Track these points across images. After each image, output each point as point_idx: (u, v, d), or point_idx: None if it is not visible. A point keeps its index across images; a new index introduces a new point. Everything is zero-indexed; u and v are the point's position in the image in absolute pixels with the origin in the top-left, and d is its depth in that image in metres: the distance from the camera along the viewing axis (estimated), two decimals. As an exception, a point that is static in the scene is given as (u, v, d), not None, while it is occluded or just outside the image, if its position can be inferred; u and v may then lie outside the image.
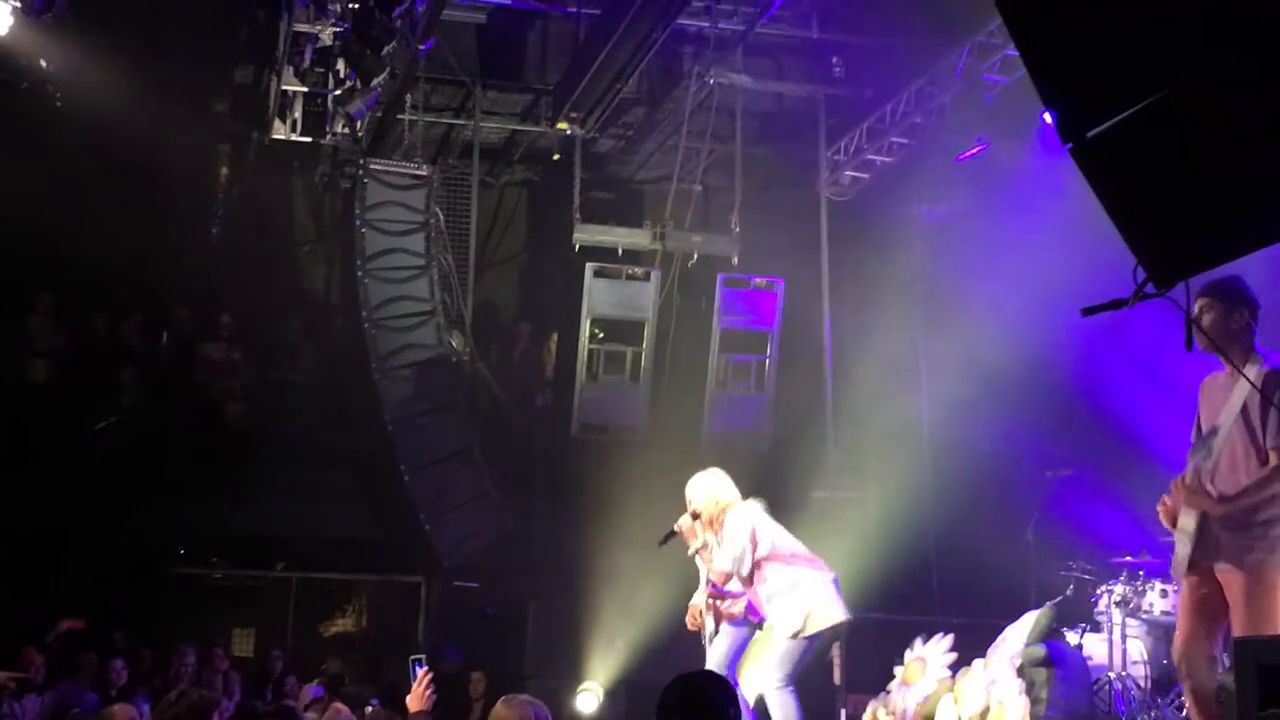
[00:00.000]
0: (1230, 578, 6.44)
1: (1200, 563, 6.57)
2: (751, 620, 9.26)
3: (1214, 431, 6.58)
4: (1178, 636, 6.79)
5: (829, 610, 8.54)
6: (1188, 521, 6.62)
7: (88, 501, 14.20)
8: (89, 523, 14.08)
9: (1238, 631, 6.37)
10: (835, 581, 8.73)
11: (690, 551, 9.14)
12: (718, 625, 9.38)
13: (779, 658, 8.50)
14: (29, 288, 14.89)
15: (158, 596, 14.32)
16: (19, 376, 14.84)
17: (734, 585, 9.19)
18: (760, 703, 9.15)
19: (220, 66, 15.56)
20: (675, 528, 9.11)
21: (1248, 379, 6.43)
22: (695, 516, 8.88)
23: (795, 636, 8.49)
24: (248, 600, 14.97)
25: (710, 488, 8.88)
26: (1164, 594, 10.15)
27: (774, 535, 8.73)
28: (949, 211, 15.00)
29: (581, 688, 13.11)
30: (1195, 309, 6.41)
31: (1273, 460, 6.37)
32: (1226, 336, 6.44)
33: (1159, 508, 6.83)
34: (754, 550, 8.59)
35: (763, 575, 8.63)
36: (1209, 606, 6.62)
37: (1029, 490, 12.29)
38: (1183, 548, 6.65)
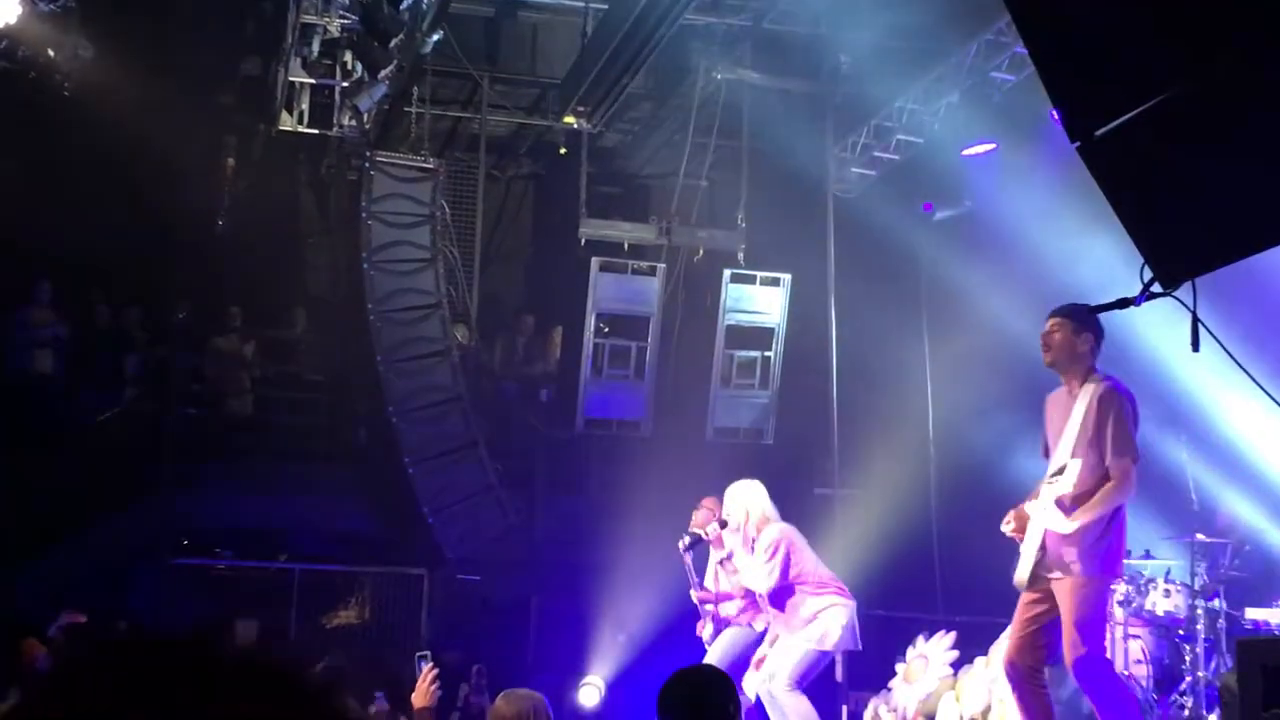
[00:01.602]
0: (1060, 584, 6.78)
1: (1040, 577, 6.87)
2: (750, 625, 9.35)
3: (1058, 449, 6.88)
4: (1008, 646, 7.06)
5: (846, 637, 8.71)
6: (1033, 536, 6.90)
7: (90, 492, 14.22)
8: (91, 513, 14.10)
9: (1066, 631, 6.73)
10: (855, 611, 8.84)
11: (716, 559, 9.18)
12: (717, 629, 9.48)
13: (794, 662, 8.61)
14: (32, 277, 14.89)
15: (160, 587, 14.34)
16: (22, 366, 14.83)
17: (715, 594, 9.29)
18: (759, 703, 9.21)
19: (227, 58, 15.58)
20: (703, 534, 9.17)
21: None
22: (723, 525, 8.95)
23: (815, 646, 8.58)
24: (250, 592, 14.96)
25: (744, 500, 8.97)
26: (1166, 594, 10.14)
27: (805, 559, 8.82)
28: (956, 210, 14.98)
29: (584, 681, 13.12)
30: (1046, 327, 6.89)
31: (1114, 475, 6.71)
32: (1072, 356, 6.87)
33: (1005, 523, 7.07)
34: (785, 573, 8.66)
35: (793, 597, 8.70)
36: (1041, 620, 6.94)
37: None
38: (1026, 562, 6.93)
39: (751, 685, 9.00)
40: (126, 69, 13.32)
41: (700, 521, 9.58)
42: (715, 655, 9.31)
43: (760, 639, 9.37)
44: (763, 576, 8.70)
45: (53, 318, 14.97)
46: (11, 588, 13.22)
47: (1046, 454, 7.22)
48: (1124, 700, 6.82)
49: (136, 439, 14.94)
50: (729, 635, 9.47)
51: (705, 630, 9.70)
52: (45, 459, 14.45)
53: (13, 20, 11.70)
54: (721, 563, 9.24)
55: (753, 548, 8.88)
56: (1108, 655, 7.53)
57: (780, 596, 8.75)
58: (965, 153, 14.05)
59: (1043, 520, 6.86)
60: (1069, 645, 6.75)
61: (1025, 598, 7.00)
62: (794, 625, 8.71)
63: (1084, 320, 6.80)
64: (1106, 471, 6.74)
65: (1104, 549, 6.78)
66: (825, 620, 8.65)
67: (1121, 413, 6.71)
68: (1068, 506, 6.78)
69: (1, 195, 13.87)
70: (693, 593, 9.73)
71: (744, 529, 8.91)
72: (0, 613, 12.43)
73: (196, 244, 15.78)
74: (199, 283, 15.93)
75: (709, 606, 9.68)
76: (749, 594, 9.23)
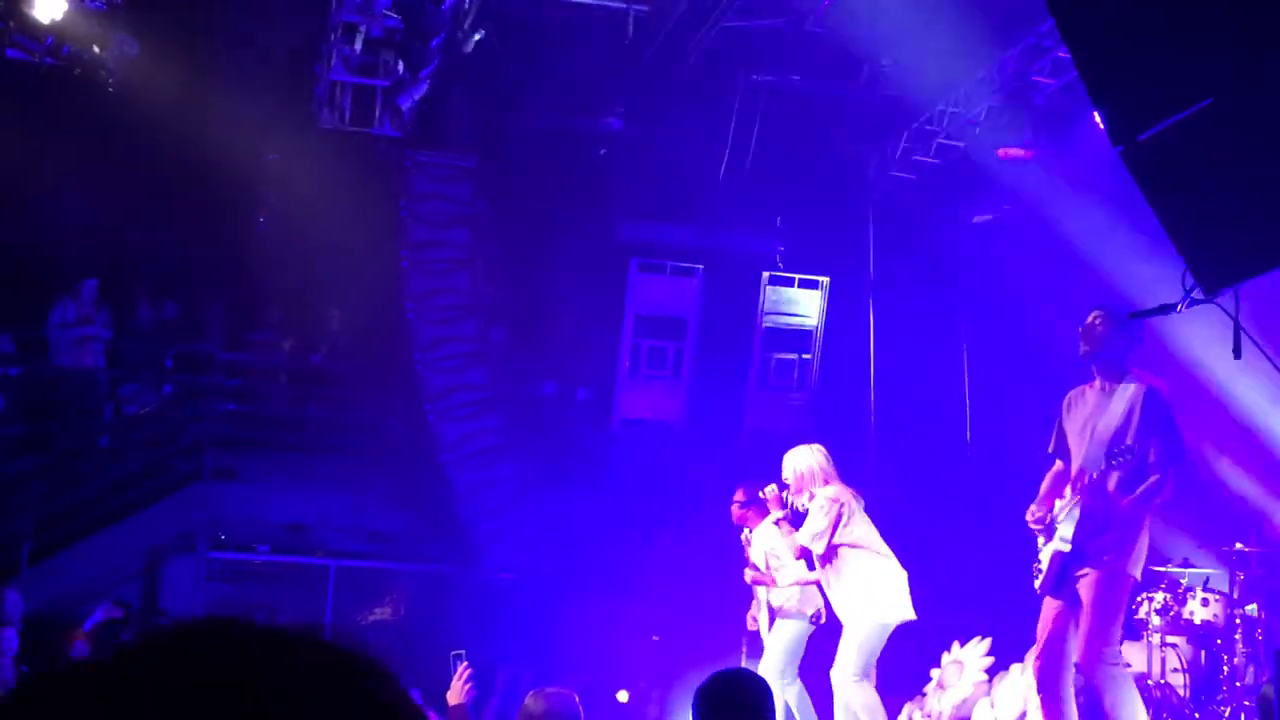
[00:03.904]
0: (1086, 579, 6.80)
1: (1067, 581, 6.90)
2: (805, 612, 9.36)
3: (1088, 444, 6.87)
4: (1037, 651, 6.97)
5: (904, 605, 8.72)
6: (1067, 530, 6.90)
7: (127, 486, 14.33)
8: (129, 507, 14.21)
9: (1084, 619, 6.75)
10: (906, 580, 8.84)
11: (771, 519, 9.21)
12: (772, 620, 9.51)
13: (856, 646, 8.58)
14: (75, 272, 15.01)
15: (196, 581, 14.44)
16: (67, 361, 14.95)
17: (771, 576, 9.27)
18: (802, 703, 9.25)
19: (270, 56, 15.63)
20: (760, 493, 9.22)
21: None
22: (783, 487, 8.99)
23: (876, 622, 8.52)
24: (285, 586, 15.04)
25: (804, 461, 8.99)
26: (1205, 603, 10.08)
27: (861, 525, 8.79)
28: (996, 214, 14.92)
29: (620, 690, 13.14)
30: (1088, 320, 6.94)
31: (1159, 478, 6.73)
32: (1111, 352, 6.91)
33: (1029, 514, 7.05)
34: (834, 532, 8.64)
35: (845, 561, 8.69)
36: (1069, 624, 6.98)
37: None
38: (1055, 555, 6.97)
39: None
40: (170, 66, 13.39)
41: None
42: (775, 650, 9.38)
43: (814, 622, 9.40)
44: (818, 532, 8.69)
45: (96, 313, 15.08)
46: (50, 580, 13.33)
47: (1055, 449, 7.22)
48: (1132, 703, 6.77)
49: (174, 433, 15.04)
50: (785, 629, 9.48)
51: (760, 620, 9.73)
52: (84, 452, 14.57)
53: (59, 16, 11.78)
54: (778, 523, 9.24)
55: (807, 505, 8.92)
56: (1124, 656, 7.50)
57: (831, 554, 8.73)
58: (1000, 153, 13.95)
59: (1093, 503, 6.82)
60: (1084, 638, 6.72)
61: (1051, 603, 7.00)
62: (850, 584, 8.67)
63: (1121, 318, 6.80)
64: (1145, 471, 6.70)
65: (1136, 549, 6.76)
66: (880, 590, 8.63)
67: (1173, 420, 6.69)
68: (1108, 501, 6.74)
69: (45, 191, 14.00)
70: (747, 572, 9.81)
71: (801, 488, 8.93)
72: (36, 604, 12.54)
73: (236, 240, 15.87)
74: (238, 278, 16.03)
75: (761, 591, 9.74)
76: (804, 565, 9.34)
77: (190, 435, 14.94)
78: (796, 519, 9.35)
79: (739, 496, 9.95)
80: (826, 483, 8.91)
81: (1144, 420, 6.69)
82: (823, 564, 8.84)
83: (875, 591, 8.62)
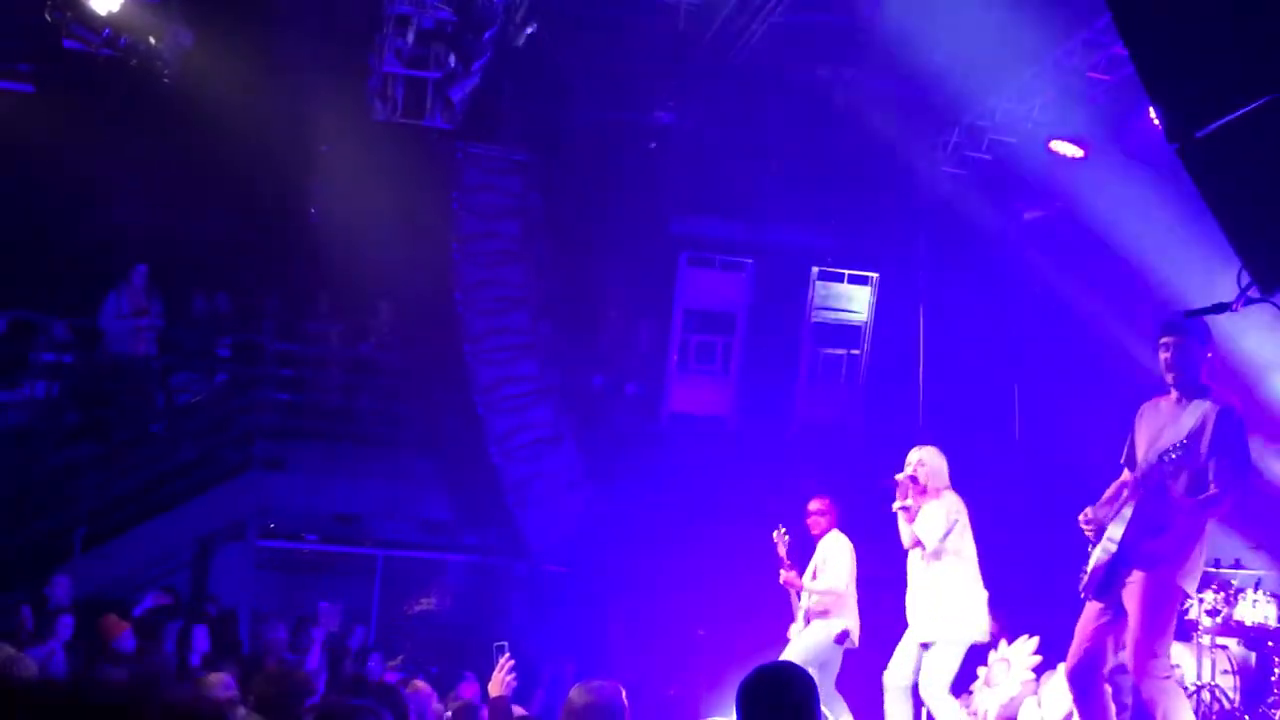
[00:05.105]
0: (1133, 587, 6.76)
1: (1113, 585, 6.85)
2: (834, 623, 9.44)
3: (1163, 450, 6.79)
4: (1072, 654, 6.96)
5: (986, 626, 8.81)
6: (1116, 531, 6.89)
7: (179, 474, 14.45)
8: (180, 495, 14.33)
9: (1132, 631, 6.73)
10: None
11: (894, 506, 9.29)
12: (809, 620, 9.56)
13: (950, 665, 8.76)
14: (131, 262, 15.13)
15: (245, 569, 14.54)
16: (121, 350, 15.08)
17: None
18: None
19: (322, 47, 15.72)
20: (897, 477, 9.28)
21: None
22: (913, 480, 9.02)
23: (966, 641, 8.76)
24: (334, 575, 15.14)
25: (935, 459, 9.19)
26: (1255, 605, 10.00)
27: (968, 537, 9.03)
28: (1047, 210, 14.83)
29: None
30: (1163, 345, 6.91)
31: (1213, 489, 6.67)
32: (1193, 370, 6.85)
33: (1082, 518, 7.05)
34: (947, 535, 8.84)
35: (946, 567, 8.81)
36: (1108, 629, 6.96)
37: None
38: (1103, 556, 6.92)
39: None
40: (224, 58, 13.49)
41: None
42: (795, 652, 9.38)
43: (839, 641, 9.48)
44: (934, 531, 8.83)
45: (149, 302, 15.22)
46: (102, 567, 13.46)
47: (1126, 459, 7.15)
48: (1181, 713, 6.72)
49: (225, 422, 15.15)
50: (809, 638, 9.53)
51: (796, 627, 9.80)
52: (137, 441, 14.69)
53: (116, 8, 11.88)
54: (902, 508, 9.27)
55: (925, 493, 9.03)
56: (1171, 661, 7.45)
57: (936, 558, 8.84)
58: (1051, 145, 13.85)
59: (1151, 503, 6.80)
60: (1133, 649, 6.69)
61: (1092, 607, 6.99)
62: (942, 594, 8.77)
63: (1199, 333, 6.79)
64: (1206, 483, 6.69)
65: (1189, 561, 6.73)
66: (973, 604, 8.75)
67: (1243, 441, 6.69)
68: (1166, 504, 6.73)
69: (101, 181, 14.12)
70: (782, 573, 9.86)
71: (928, 486, 9.04)
72: (88, 591, 12.66)
73: (289, 231, 15.96)
74: (291, 270, 16.12)
75: (799, 597, 9.84)
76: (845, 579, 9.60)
77: (241, 425, 15.05)
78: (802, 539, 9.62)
79: (817, 505, 10.02)
80: (948, 486, 9.03)
81: (1214, 438, 6.66)
82: (927, 564, 8.89)
83: (970, 607, 8.70)
